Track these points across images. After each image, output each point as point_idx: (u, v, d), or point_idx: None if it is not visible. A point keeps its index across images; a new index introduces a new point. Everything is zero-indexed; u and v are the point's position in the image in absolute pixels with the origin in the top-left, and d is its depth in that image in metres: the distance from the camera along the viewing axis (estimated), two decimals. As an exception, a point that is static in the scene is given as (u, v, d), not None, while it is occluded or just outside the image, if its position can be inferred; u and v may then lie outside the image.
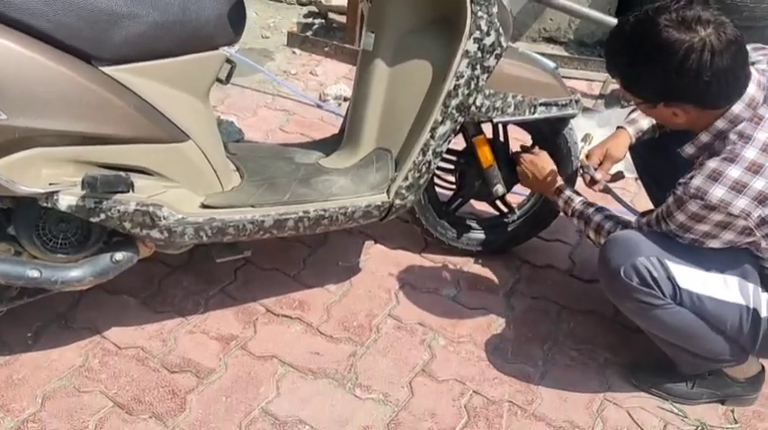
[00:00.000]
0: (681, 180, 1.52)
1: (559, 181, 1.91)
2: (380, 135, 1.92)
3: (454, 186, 2.23)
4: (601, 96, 3.31)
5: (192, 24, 1.57)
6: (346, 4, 3.53)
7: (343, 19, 3.78)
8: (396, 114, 1.89)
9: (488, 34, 1.74)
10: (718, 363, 1.70)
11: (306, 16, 4.03)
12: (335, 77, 3.40)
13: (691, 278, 1.54)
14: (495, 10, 1.73)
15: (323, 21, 3.93)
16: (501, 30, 1.76)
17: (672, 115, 1.52)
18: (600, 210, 1.79)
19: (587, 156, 1.89)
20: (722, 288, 1.55)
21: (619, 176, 1.91)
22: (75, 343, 1.82)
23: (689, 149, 1.58)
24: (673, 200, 1.54)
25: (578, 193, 1.88)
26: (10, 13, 1.37)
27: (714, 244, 1.53)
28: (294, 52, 3.63)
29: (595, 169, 1.85)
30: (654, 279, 1.54)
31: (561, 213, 1.93)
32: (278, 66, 3.49)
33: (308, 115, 3.07)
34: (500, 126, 2.10)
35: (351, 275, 2.14)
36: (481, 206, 2.36)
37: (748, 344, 1.61)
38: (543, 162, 1.94)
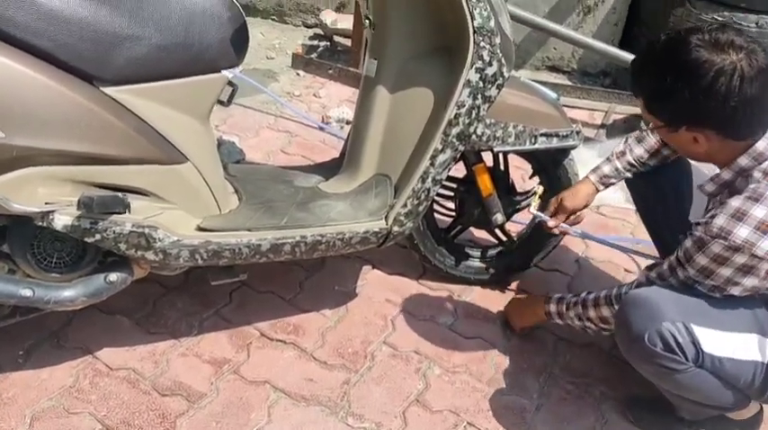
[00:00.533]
0: (700, 220, 1.48)
1: (542, 299, 1.93)
2: (380, 161, 1.91)
3: (453, 213, 2.22)
4: (603, 126, 3.32)
5: (194, 47, 1.58)
6: (352, 28, 3.55)
7: (347, 42, 3.80)
8: (396, 141, 1.88)
9: (490, 65, 1.74)
10: (720, 411, 1.66)
11: (311, 38, 4.06)
12: (339, 100, 3.41)
13: (714, 341, 1.48)
14: (498, 41, 1.73)
15: (328, 43, 3.95)
16: (503, 60, 1.76)
17: (692, 141, 1.48)
18: (591, 291, 1.78)
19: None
20: (742, 348, 1.50)
21: (577, 220, 1.94)
22: (66, 362, 1.80)
23: (709, 187, 1.54)
24: (692, 242, 1.48)
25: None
26: (12, 32, 1.37)
27: (735, 291, 1.48)
28: (298, 74, 3.65)
29: (550, 216, 1.91)
30: (678, 344, 1.47)
31: (557, 318, 1.88)
32: (282, 87, 3.50)
33: (310, 137, 3.07)
34: (500, 155, 2.09)
35: (347, 300, 2.12)
36: (480, 234, 2.35)
37: (755, 394, 1.56)
38: (521, 298, 2.06)
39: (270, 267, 2.12)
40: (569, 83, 3.78)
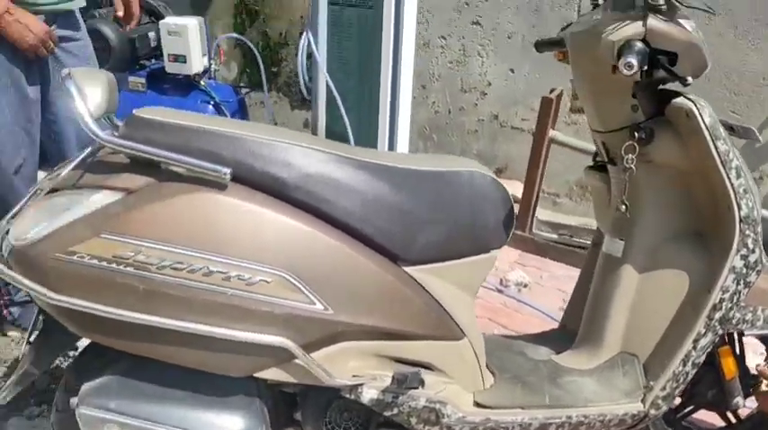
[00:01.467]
0: None
1: None
2: (625, 339, 1.92)
3: (682, 394, 2.17)
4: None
5: (476, 229, 1.69)
6: (520, 196, 3.69)
7: (508, 205, 3.94)
8: (644, 320, 1.90)
9: (753, 251, 1.77)
10: None
11: (472, 201, 4.24)
12: (508, 262, 3.48)
13: None
14: (759, 229, 1.78)
15: (488, 206, 4.11)
16: (764, 247, 1.79)
17: None
18: None
19: None
20: None
21: None
22: None
23: None
24: None
25: None
26: (344, 219, 1.52)
27: None
28: (465, 235, 3.78)
29: None
30: None
31: None
32: (452, 248, 3.62)
33: (490, 300, 3.13)
34: (736, 337, 2.07)
35: (577, 480, 2.06)
36: (706, 415, 2.27)
37: None
38: None
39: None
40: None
